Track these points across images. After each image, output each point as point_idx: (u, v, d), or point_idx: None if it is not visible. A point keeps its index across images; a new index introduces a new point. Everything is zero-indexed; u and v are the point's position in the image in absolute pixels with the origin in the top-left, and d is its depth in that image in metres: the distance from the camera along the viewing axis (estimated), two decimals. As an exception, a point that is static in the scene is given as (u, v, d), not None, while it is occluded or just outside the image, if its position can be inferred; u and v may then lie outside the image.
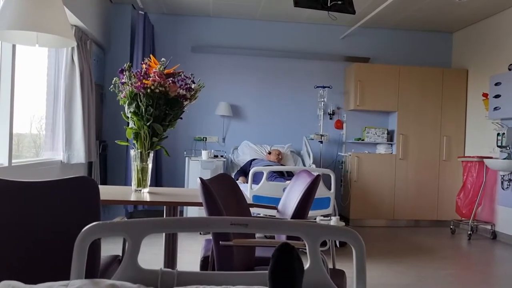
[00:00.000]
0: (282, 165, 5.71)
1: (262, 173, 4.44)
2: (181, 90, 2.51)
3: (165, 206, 2.54)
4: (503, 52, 5.66)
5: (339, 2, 3.68)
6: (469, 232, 5.64)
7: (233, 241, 1.85)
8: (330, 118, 6.57)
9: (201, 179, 1.88)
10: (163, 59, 2.50)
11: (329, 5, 3.61)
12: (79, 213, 1.79)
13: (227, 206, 2.20)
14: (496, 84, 5.48)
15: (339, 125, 6.60)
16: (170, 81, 2.46)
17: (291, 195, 2.74)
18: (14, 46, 3.45)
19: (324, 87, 6.24)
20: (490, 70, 5.88)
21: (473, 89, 6.31)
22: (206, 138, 6.33)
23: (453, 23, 6.36)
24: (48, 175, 4.17)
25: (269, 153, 5.86)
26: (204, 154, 5.30)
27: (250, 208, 4.49)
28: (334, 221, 4.38)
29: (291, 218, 2.49)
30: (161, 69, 2.45)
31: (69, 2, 4.16)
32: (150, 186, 2.58)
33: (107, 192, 2.51)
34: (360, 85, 6.22)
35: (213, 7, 5.99)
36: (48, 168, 4.22)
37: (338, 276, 2.21)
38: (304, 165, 5.96)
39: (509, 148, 5.34)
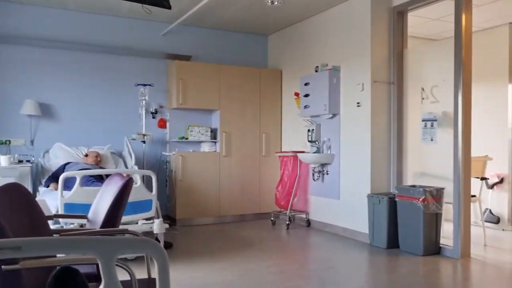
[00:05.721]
0: (100, 167, 5.29)
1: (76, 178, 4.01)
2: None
3: None
4: (311, 54, 6.18)
5: (154, -5, 3.51)
6: (287, 222, 6.04)
7: (20, 263, 1.53)
8: (153, 117, 6.35)
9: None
10: None
11: (143, -3, 3.40)
12: None
13: (18, 224, 1.85)
14: (306, 84, 5.96)
15: (162, 124, 6.42)
16: None
17: (102, 201, 2.48)
18: None
19: (145, 85, 5.98)
20: (300, 71, 6.36)
21: (286, 88, 6.77)
22: (9, 141, 5.51)
23: (268, 26, 6.73)
24: None
25: (86, 155, 5.37)
26: (4, 160, 4.58)
27: (61, 219, 4.03)
28: (157, 223, 4.22)
29: (101, 227, 2.25)
30: None
31: None
32: None
33: None
34: (182, 83, 6.14)
35: (14, -9, 5.23)
36: None
37: (154, 285, 2.05)
38: (126, 166, 5.63)
39: (317, 142, 5.87)
